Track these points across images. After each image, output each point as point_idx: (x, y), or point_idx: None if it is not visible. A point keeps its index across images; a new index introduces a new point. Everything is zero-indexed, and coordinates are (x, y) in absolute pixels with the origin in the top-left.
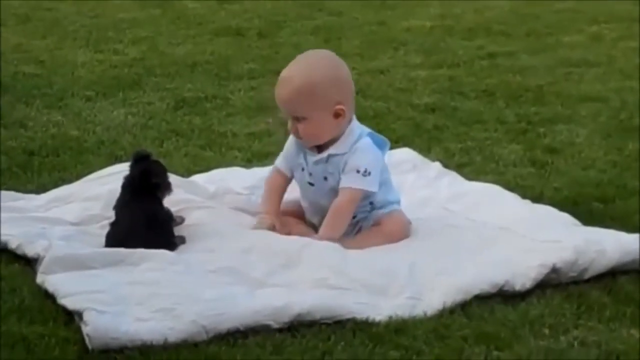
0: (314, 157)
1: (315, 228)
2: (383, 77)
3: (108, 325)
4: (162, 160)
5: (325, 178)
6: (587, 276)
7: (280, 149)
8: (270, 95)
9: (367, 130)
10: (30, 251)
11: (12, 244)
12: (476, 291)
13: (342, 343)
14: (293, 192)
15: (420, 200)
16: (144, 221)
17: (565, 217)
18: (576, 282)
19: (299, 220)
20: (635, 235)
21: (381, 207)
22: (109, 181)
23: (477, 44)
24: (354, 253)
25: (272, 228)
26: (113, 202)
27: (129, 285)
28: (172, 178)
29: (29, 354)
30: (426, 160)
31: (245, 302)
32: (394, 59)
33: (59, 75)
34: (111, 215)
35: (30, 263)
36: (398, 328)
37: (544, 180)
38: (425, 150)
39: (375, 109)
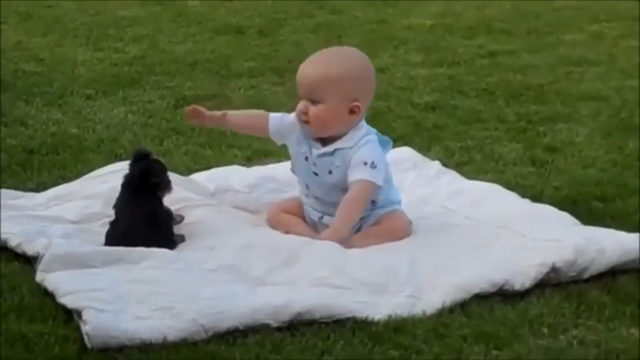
0: (318, 150)
1: (315, 225)
2: (383, 76)
3: (107, 324)
4: (162, 159)
5: (330, 172)
6: (586, 275)
7: (280, 147)
8: (271, 94)
9: (373, 129)
10: (30, 249)
11: (12, 242)
12: (476, 290)
13: (342, 342)
14: (293, 192)
15: (420, 198)
16: (143, 220)
17: (565, 216)
18: (576, 281)
19: (299, 219)
20: (635, 235)
21: (383, 206)
22: (109, 179)
23: (478, 43)
24: (353, 252)
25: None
26: (113, 200)
27: (128, 284)
28: (172, 176)
29: (29, 353)
30: (426, 159)
31: (244, 300)
32: (394, 57)
33: (59, 73)
34: (111, 213)
35: (29, 261)
36: (397, 327)
37: (544, 179)
38: (425, 149)
39: (375, 108)
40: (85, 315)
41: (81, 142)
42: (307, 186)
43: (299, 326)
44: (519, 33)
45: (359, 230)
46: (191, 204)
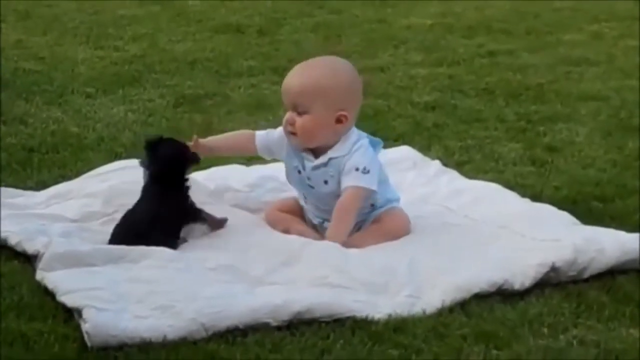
0: (312, 163)
1: (315, 228)
2: (383, 75)
3: (107, 323)
4: None
5: (326, 182)
6: (586, 275)
7: None
8: (270, 93)
9: (363, 133)
10: (30, 248)
11: (12, 241)
12: (475, 290)
13: (341, 341)
14: (291, 190)
15: (419, 198)
16: (146, 220)
17: (565, 216)
18: (575, 281)
19: (299, 218)
20: (634, 235)
21: (382, 206)
22: (108, 178)
23: (478, 42)
24: (353, 251)
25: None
26: (113, 198)
27: (128, 283)
28: None
29: (28, 351)
30: (426, 159)
31: (244, 300)
32: (394, 56)
33: (59, 71)
34: (111, 211)
35: (29, 260)
36: (397, 326)
37: (543, 179)
38: (425, 148)
39: (375, 107)
40: (85, 314)
41: (81, 141)
42: (304, 196)
43: (299, 325)
44: (519, 33)
45: (358, 229)
46: None
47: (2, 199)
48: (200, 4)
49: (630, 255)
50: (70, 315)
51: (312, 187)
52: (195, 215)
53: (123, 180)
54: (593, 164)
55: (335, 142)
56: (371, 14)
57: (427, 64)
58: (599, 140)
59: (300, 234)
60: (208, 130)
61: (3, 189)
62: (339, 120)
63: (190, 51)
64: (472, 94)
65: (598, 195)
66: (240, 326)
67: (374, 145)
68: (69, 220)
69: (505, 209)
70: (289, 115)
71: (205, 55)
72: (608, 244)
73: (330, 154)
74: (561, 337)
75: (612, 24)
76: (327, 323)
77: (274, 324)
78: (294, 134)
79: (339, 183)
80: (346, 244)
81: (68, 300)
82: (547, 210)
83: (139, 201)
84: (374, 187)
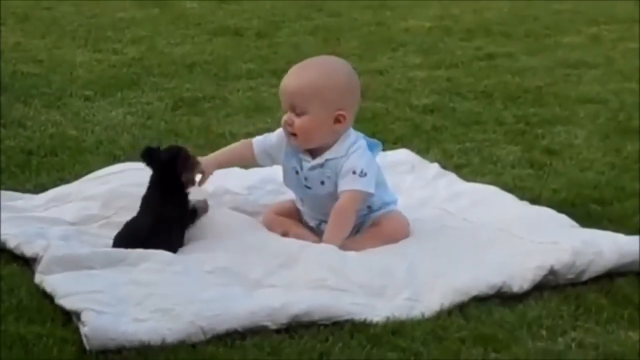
0: (309, 163)
1: (313, 231)
2: (382, 78)
3: (106, 326)
4: None
5: (323, 182)
6: (584, 278)
7: None
8: (269, 96)
9: (360, 134)
10: (28, 251)
11: (11, 244)
12: (474, 293)
13: (340, 344)
14: (290, 194)
15: (418, 201)
16: (149, 224)
17: (563, 218)
18: (574, 283)
19: (296, 221)
20: (633, 237)
21: (379, 209)
22: (107, 181)
23: (476, 45)
24: (351, 254)
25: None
26: (111, 202)
27: (127, 286)
28: None
29: (27, 354)
30: (424, 161)
31: (242, 303)
32: (393, 59)
33: (58, 74)
34: (110, 214)
35: (28, 263)
36: (396, 329)
37: (542, 182)
38: (424, 151)
39: (373, 110)
40: (84, 317)
41: (80, 144)
42: (301, 198)
43: (297, 328)
44: (517, 35)
45: (357, 233)
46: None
47: (1, 202)
48: (198, 6)
49: (628, 257)
50: (69, 318)
51: (309, 187)
52: (193, 216)
53: (122, 183)
54: (591, 166)
55: (334, 143)
56: (370, 16)
57: (426, 66)
58: (597, 142)
59: (298, 236)
60: (206, 132)
61: (2, 192)
62: (337, 120)
63: (189, 54)
64: (470, 97)
65: (596, 197)
66: (239, 329)
67: (372, 147)
68: (67, 223)
69: (504, 211)
70: (287, 116)
71: (204, 58)
72: (606, 247)
73: (326, 155)
74: (560, 339)
75: (611, 27)
76: (326, 326)
77: (273, 327)
78: (294, 135)
79: (335, 184)
80: (345, 247)
81: (67, 303)
82: (545, 213)
83: (140, 209)
84: (372, 190)
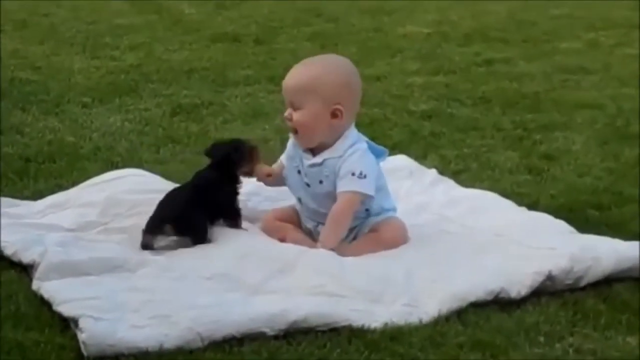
0: (309, 161)
1: (310, 233)
2: (379, 84)
3: (104, 332)
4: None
5: (321, 182)
6: (582, 284)
7: (277, 155)
8: (267, 102)
9: (365, 138)
10: (25, 258)
11: (8, 251)
12: (472, 298)
13: (338, 350)
14: (288, 199)
15: (416, 207)
16: (185, 199)
17: (561, 224)
18: (572, 289)
19: (294, 226)
20: (631, 243)
21: (377, 214)
22: (105, 187)
23: (474, 51)
24: (349, 260)
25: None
26: (109, 208)
27: (125, 292)
28: (169, 185)
29: None
30: (422, 167)
31: (240, 309)
32: (391, 65)
33: (56, 81)
34: (107, 221)
35: (26, 269)
36: (394, 335)
37: (540, 188)
38: (422, 157)
39: (371, 116)
40: (81, 323)
41: (77, 150)
42: (299, 199)
43: (295, 334)
44: (515, 41)
45: (354, 238)
46: None
47: None
48: (196, 13)
49: (626, 263)
50: (67, 325)
51: (308, 185)
52: (232, 215)
53: (120, 190)
54: (589, 172)
55: (334, 142)
56: (368, 22)
57: (424, 72)
58: (595, 148)
59: (295, 242)
60: (205, 138)
61: (0, 198)
62: (334, 115)
63: (187, 60)
64: (468, 103)
65: (594, 203)
66: (237, 335)
67: (377, 153)
68: (65, 230)
69: (502, 217)
70: (287, 112)
71: (202, 65)
72: (604, 253)
73: (325, 154)
74: (557, 345)
75: (609, 32)
76: (324, 332)
77: (271, 333)
78: (296, 131)
79: (334, 184)
80: (343, 253)
81: (64, 309)
82: (543, 218)
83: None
84: (371, 193)
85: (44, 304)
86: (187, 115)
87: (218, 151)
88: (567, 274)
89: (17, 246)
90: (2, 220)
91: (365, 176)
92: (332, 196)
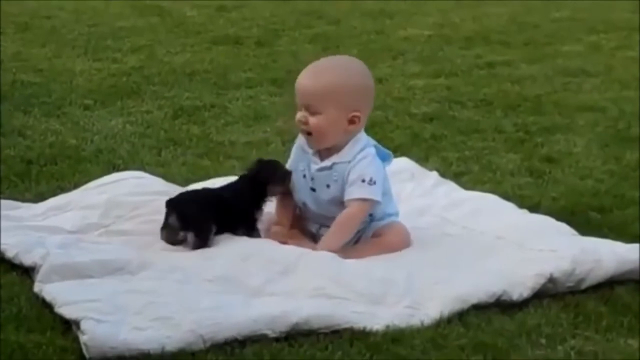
0: (317, 165)
1: (313, 236)
2: (381, 86)
3: (106, 334)
4: (159, 170)
5: (328, 186)
6: (584, 286)
7: (278, 157)
8: (268, 104)
9: (372, 141)
10: (27, 260)
11: (10, 253)
12: (473, 300)
13: (340, 352)
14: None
15: (417, 209)
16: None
17: (563, 226)
18: (573, 291)
19: (296, 230)
20: (632, 245)
21: (380, 219)
22: (106, 190)
23: (475, 53)
24: (351, 262)
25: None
26: (111, 210)
27: (126, 294)
28: (170, 187)
29: None
30: (424, 170)
31: (242, 311)
32: (392, 67)
33: (58, 83)
34: (109, 223)
35: (27, 272)
36: (395, 337)
37: (541, 190)
38: (423, 160)
39: (373, 118)
40: (83, 325)
41: (79, 153)
42: (304, 204)
43: (297, 337)
44: (517, 44)
45: (356, 241)
46: None
47: (0, 211)
48: (198, 15)
49: (628, 265)
50: (69, 327)
51: (314, 190)
52: (248, 226)
53: (121, 192)
54: (591, 174)
55: (345, 145)
56: (369, 25)
57: (425, 75)
58: (596, 151)
59: (298, 244)
60: (206, 141)
61: (1, 201)
62: (351, 121)
63: (189, 63)
64: (470, 105)
65: (596, 205)
66: (239, 337)
67: (384, 157)
68: (67, 232)
69: (503, 219)
70: (301, 114)
71: (204, 67)
72: (606, 255)
73: (334, 158)
74: (559, 347)
75: (610, 35)
76: (326, 334)
77: (272, 335)
78: (309, 134)
79: (341, 189)
80: (345, 256)
81: (66, 311)
82: (545, 221)
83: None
84: (379, 198)
85: (46, 306)
86: (188, 118)
87: (258, 166)
88: (568, 277)
89: (18, 248)
90: (4, 223)
91: (374, 182)
92: (337, 201)
